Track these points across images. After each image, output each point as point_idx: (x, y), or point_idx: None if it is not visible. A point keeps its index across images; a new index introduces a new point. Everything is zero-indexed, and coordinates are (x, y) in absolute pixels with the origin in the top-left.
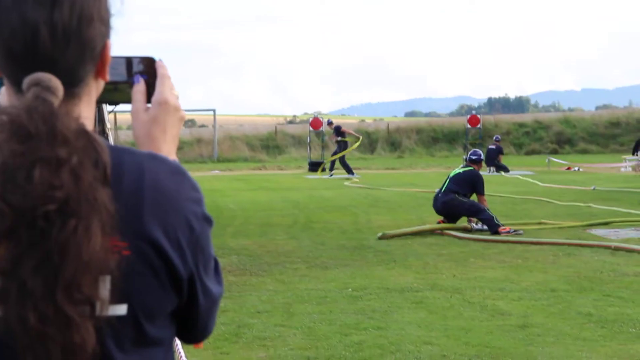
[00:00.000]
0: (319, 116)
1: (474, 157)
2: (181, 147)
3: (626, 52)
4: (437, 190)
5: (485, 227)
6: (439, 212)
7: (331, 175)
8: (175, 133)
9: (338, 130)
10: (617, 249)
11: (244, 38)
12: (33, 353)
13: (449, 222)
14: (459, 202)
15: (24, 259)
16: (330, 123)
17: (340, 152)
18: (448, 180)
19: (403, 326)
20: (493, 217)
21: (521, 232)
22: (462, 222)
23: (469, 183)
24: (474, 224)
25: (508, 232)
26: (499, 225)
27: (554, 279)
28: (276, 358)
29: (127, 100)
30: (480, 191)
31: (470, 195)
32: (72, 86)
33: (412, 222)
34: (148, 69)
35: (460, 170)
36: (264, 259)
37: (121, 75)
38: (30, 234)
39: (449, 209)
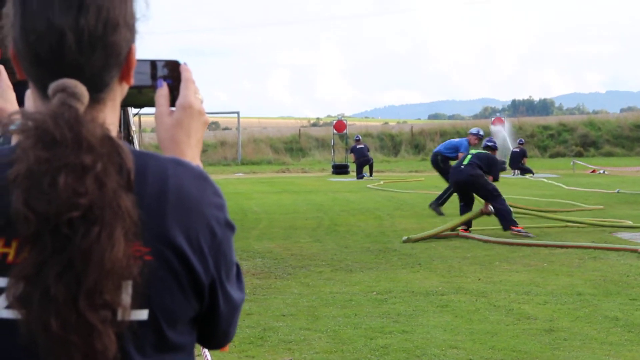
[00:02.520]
0: (342, 119)
1: (490, 144)
2: (205, 149)
3: None
4: (457, 163)
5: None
6: (459, 183)
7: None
8: (200, 137)
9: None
10: None
11: (268, 40)
12: (55, 359)
13: (462, 198)
14: (485, 181)
15: (47, 265)
16: (357, 140)
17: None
18: (471, 156)
19: (428, 330)
20: (510, 212)
21: (531, 235)
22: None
23: (488, 163)
24: (490, 208)
25: (519, 231)
26: (513, 223)
27: (580, 282)
28: None
29: (152, 104)
30: (495, 174)
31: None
32: (98, 92)
33: (436, 225)
34: (172, 72)
35: (482, 151)
36: (289, 262)
37: (145, 79)
38: (54, 240)
39: (473, 184)
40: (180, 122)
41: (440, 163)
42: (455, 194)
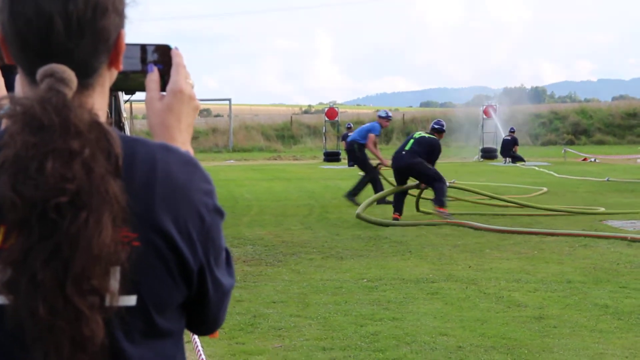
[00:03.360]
0: (334, 106)
1: (437, 126)
2: (196, 136)
3: None
4: (399, 147)
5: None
6: (400, 169)
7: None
8: (190, 122)
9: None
10: (633, 240)
11: (260, 27)
12: (42, 345)
13: (398, 180)
14: (425, 166)
15: (34, 251)
16: (349, 127)
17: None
18: (413, 141)
19: (419, 317)
20: (446, 195)
21: (453, 219)
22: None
23: (429, 149)
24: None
25: (442, 213)
26: (442, 204)
27: (570, 270)
28: (291, 348)
29: (143, 88)
30: (434, 160)
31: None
32: (86, 77)
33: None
34: (163, 57)
35: (426, 135)
36: (280, 249)
37: (136, 64)
38: (42, 225)
39: (412, 170)
40: (171, 107)
41: (357, 151)
42: (369, 183)
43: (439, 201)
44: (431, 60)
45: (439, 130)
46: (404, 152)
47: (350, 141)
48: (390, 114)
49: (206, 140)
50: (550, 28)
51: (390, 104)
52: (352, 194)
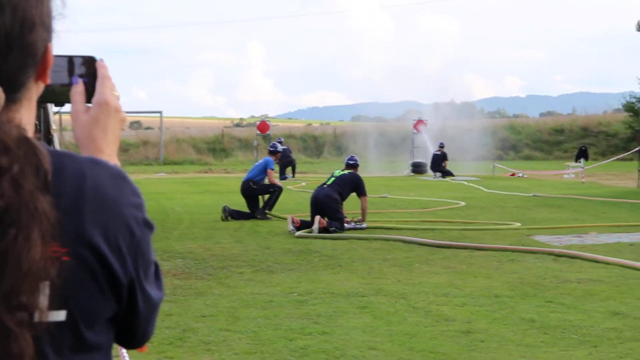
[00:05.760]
0: (266, 120)
1: (351, 162)
2: (127, 149)
3: (570, 59)
4: (322, 183)
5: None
6: (317, 200)
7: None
8: (117, 134)
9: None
10: (560, 255)
11: (192, 39)
12: None
13: (313, 212)
14: (338, 208)
15: None
16: (280, 141)
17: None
18: (334, 178)
19: (348, 331)
20: (342, 227)
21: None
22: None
23: (352, 184)
24: (354, 224)
25: (349, 223)
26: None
27: (498, 284)
28: None
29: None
30: (363, 192)
31: (348, 195)
32: (13, 92)
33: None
34: (88, 69)
35: (346, 172)
36: (210, 262)
37: (63, 77)
38: None
39: (327, 205)
40: (97, 120)
41: (254, 185)
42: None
43: (342, 228)
44: (363, 74)
45: (354, 166)
46: (325, 186)
47: (245, 180)
48: (277, 145)
49: (137, 152)
50: (480, 44)
51: (322, 117)
52: (265, 209)
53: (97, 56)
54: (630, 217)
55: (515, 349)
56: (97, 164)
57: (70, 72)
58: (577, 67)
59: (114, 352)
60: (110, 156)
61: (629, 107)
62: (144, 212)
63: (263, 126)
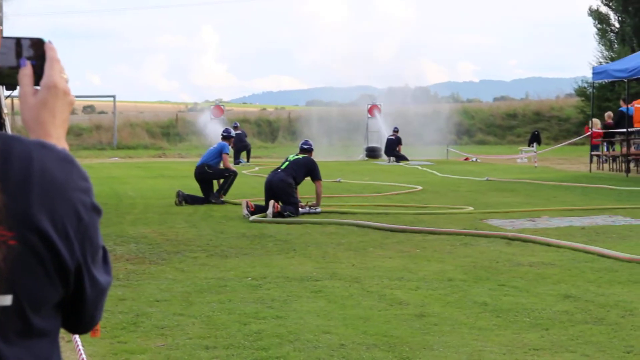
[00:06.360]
0: (220, 104)
1: (305, 147)
2: (80, 133)
3: (524, 44)
4: (277, 167)
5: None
6: (271, 184)
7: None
8: (65, 117)
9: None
10: (513, 238)
11: (146, 23)
12: None
13: (267, 196)
14: (292, 192)
15: None
16: (235, 126)
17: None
18: (288, 162)
19: (302, 315)
20: (297, 211)
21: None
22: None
23: (307, 169)
24: (309, 208)
25: (303, 207)
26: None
27: (451, 268)
28: (175, 347)
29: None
30: (317, 177)
31: (302, 180)
32: None
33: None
34: (37, 51)
35: (300, 157)
36: (164, 247)
37: (11, 60)
38: None
39: (281, 189)
40: (45, 102)
41: (209, 169)
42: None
43: (297, 212)
44: (317, 59)
45: (308, 150)
46: (279, 170)
47: (200, 165)
48: (230, 130)
49: (90, 137)
50: (434, 29)
51: (276, 102)
52: (220, 194)
53: (46, 38)
54: (581, 201)
55: (468, 332)
56: (45, 148)
57: (19, 54)
58: (530, 53)
59: (67, 337)
60: (58, 139)
61: (581, 92)
62: (92, 196)
63: (217, 111)
